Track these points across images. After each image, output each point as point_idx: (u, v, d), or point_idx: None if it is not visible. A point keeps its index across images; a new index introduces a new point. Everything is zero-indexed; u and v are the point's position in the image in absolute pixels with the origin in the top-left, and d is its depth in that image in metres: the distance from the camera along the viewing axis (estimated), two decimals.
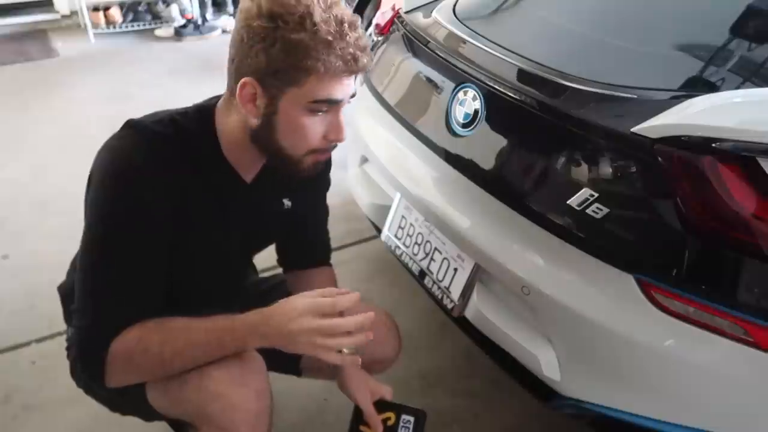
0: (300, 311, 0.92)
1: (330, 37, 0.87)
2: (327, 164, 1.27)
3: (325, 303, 0.93)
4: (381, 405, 1.16)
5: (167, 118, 1.00)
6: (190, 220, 0.99)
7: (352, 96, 0.96)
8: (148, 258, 0.96)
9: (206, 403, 0.97)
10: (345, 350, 0.96)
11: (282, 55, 0.88)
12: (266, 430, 1.03)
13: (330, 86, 0.90)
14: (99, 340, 0.94)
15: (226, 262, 1.17)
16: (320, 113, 0.94)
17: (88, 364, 0.97)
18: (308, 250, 1.34)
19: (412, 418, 1.14)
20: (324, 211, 1.33)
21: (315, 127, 0.95)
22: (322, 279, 1.30)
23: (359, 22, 0.93)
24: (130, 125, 0.98)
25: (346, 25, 0.89)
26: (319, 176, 1.26)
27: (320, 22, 0.86)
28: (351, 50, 0.89)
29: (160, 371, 0.97)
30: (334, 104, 0.93)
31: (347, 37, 0.88)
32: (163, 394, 1.03)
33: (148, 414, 1.14)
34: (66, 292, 1.20)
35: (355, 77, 0.95)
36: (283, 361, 1.18)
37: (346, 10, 0.91)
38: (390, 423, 1.14)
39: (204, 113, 1.02)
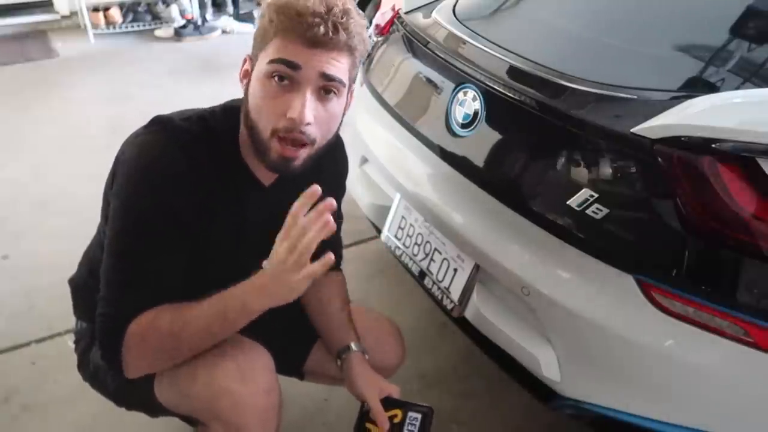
0: (276, 243, 0.92)
1: (297, 5, 0.88)
2: (344, 171, 1.28)
3: (288, 221, 0.91)
4: (388, 402, 1.16)
5: (195, 117, 1.01)
6: (209, 219, 1.00)
7: (331, 79, 0.92)
8: (169, 251, 0.96)
9: (215, 400, 0.97)
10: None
11: (261, 21, 0.93)
12: (275, 426, 1.04)
13: (286, 48, 0.89)
14: (118, 326, 0.94)
15: (240, 263, 1.17)
16: (280, 82, 0.91)
17: (109, 352, 0.97)
18: (319, 255, 1.33)
19: (419, 416, 1.14)
20: (338, 217, 1.32)
21: (274, 97, 0.92)
22: (330, 285, 1.30)
23: (354, 11, 0.92)
24: (159, 121, 0.99)
25: (326, 2, 0.88)
26: (337, 183, 1.26)
27: None
28: (317, 20, 0.87)
29: (171, 350, 0.96)
30: (292, 68, 0.90)
31: (320, 9, 0.88)
32: (172, 391, 1.03)
33: (154, 409, 1.14)
34: (77, 284, 1.21)
35: (333, 53, 0.91)
36: (286, 364, 1.18)
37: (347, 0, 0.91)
38: (396, 420, 1.14)
39: (230, 113, 1.02)
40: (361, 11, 0.95)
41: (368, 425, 1.14)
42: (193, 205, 0.97)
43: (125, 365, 0.96)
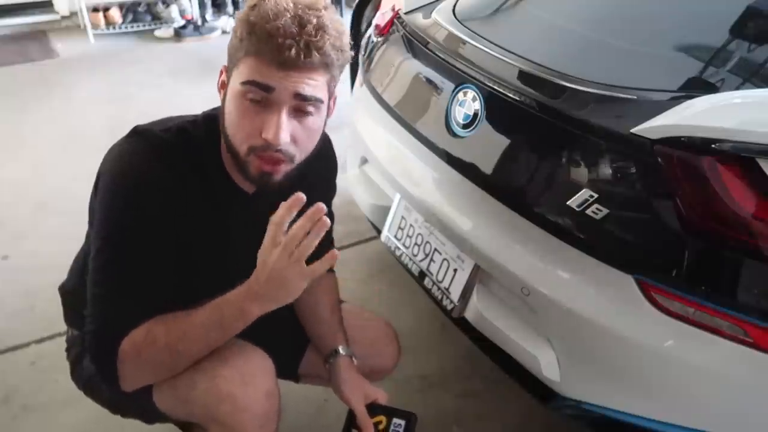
0: (264, 252, 0.91)
1: (268, 24, 0.84)
2: (332, 171, 1.26)
3: (272, 230, 0.90)
4: (373, 408, 1.17)
5: (175, 127, 1.00)
6: (192, 229, 0.99)
7: (306, 99, 0.90)
8: (154, 262, 0.95)
9: (216, 404, 0.97)
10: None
11: (232, 35, 0.91)
12: (273, 429, 1.04)
13: (260, 70, 0.87)
14: (109, 343, 0.93)
15: (229, 273, 1.16)
16: (255, 102, 0.89)
17: (103, 369, 0.96)
18: (311, 257, 1.32)
19: (403, 422, 1.16)
20: (329, 218, 1.32)
21: (249, 116, 0.90)
22: (322, 286, 1.29)
23: (331, 24, 0.88)
24: (138, 132, 0.99)
25: (298, 19, 0.85)
26: (326, 184, 1.25)
27: (268, 9, 0.85)
28: (288, 42, 0.84)
29: (170, 362, 0.96)
30: (265, 90, 0.88)
31: (291, 29, 0.84)
32: (171, 396, 1.03)
33: (151, 416, 1.14)
34: (66, 292, 1.20)
35: (307, 73, 0.88)
36: (281, 366, 1.17)
37: (322, 12, 0.88)
38: (381, 427, 1.16)
39: (211, 122, 1.01)
40: (339, 17, 0.93)
41: (353, 431, 1.15)
42: (174, 213, 0.95)
43: (121, 380, 0.95)
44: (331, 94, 0.98)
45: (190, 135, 1.00)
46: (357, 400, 1.16)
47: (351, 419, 1.16)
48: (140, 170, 0.94)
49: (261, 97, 0.89)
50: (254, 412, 0.99)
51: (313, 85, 0.90)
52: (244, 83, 0.88)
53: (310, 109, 0.92)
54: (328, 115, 1.02)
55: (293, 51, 0.85)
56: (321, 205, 0.88)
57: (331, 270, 1.35)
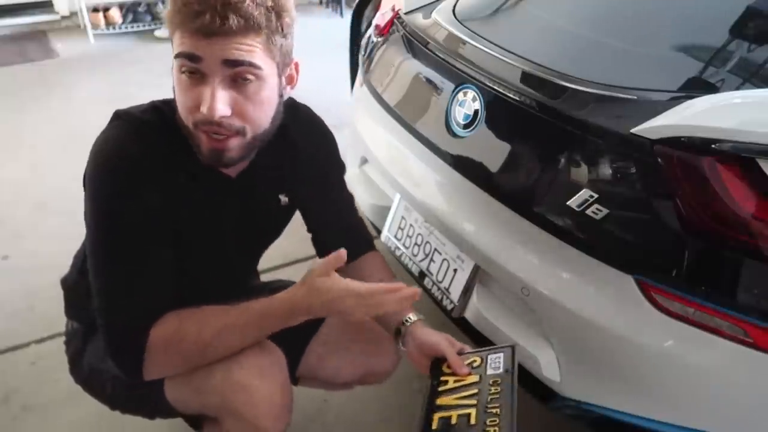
0: (338, 294, 0.93)
1: None
2: (329, 146, 1.21)
3: (363, 290, 0.94)
4: (465, 355, 1.05)
5: (150, 107, 0.99)
6: (182, 212, 0.98)
7: (237, 65, 0.85)
8: (155, 246, 0.94)
9: (232, 395, 0.98)
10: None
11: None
12: (287, 422, 1.04)
13: (187, 41, 0.85)
14: (129, 337, 0.93)
15: (225, 260, 1.15)
16: (191, 75, 0.87)
17: (123, 361, 0.95)
18: (343, 240, 1.19)
19: (500, 354, 1.01)
20: (344, 197, 1.25)
21: (187, 90, 0.88)
22: (369, 263, 1.23)
23: None
24: (119, 115, 0.98)
25: None
26: (324, 160, 1.20)
27: None
28: (202, 7, 0.81)
29: (199, 357, 0.96)
30: (192, 60, 0.85)
31: None
32: (185, 387, 1.03)
33: (156, 411, 1.13)
34: (69, 285, 1.20)
35: (233, 38, 0.84)
36: None
37: None
38: (476, 364, 1.02)
39: None
40: None
41: (444, 378, 1.01)
42: (162, 195, 0.94)
43: (146, 371, 0.95)
44: (279, 61, 0.92)
45: (165, 114, 0.98)
46: (446, 345, 1.04)
47: (438, 367, 1.03)
48: (126, 154, 0.92)
49: (194, 69, 0.86)
50: (269, 404, 0.99)
51: (244, 50, 0.85)
52: (175, 57, 0.87)
53: (248, 76, 0.87)
54: (289, 85, 0.99)
55: (207, 16, 0.81)
56: (417, 290, 0.94)
57: (371, 250, 1.27)
